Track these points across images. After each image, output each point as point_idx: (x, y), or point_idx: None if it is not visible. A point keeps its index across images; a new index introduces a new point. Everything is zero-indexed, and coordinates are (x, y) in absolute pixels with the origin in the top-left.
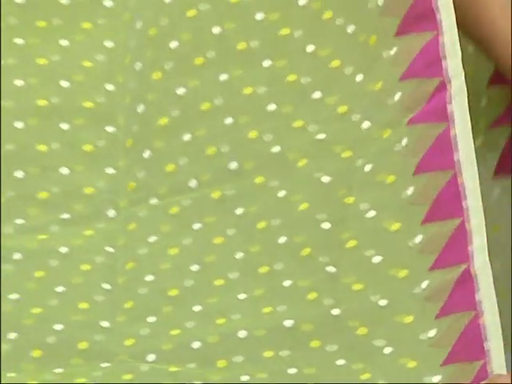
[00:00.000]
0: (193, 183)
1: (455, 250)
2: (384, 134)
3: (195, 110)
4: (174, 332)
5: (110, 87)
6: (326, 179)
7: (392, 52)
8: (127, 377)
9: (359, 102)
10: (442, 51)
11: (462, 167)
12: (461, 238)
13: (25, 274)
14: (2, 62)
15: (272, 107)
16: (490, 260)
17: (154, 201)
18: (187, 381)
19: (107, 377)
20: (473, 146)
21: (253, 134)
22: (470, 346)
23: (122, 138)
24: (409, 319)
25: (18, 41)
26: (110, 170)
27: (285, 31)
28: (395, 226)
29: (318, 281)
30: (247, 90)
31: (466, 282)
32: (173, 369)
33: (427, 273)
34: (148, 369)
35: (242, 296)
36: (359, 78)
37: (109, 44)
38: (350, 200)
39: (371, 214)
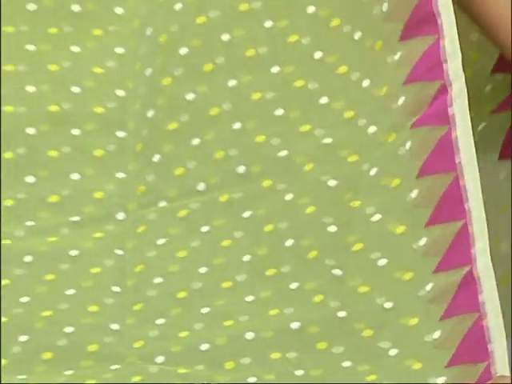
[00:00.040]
0: (201, 186)
1: (458, 252)
2: (389, 138)
3: (204, 114)
4: (183, 334)
5: (120, 93)
6: (332, 183)
7: (396, 57)
8: (136, 378)
9: (365, 107)
10: (443, 54)
11: (464, 169)
12: (463, 240)
13: (35, 277)
14: (15, 69)
15: (280, 112)
16: (497, 240)
17: (162, 204)
18: (196, 382)
19: (117, 378)
20: (474, 148)
21: (260, 139)
22: (473, 347)
23: (131, 143)
24: (414, 321)
25: (30, 47)
26: (120, 174)
27: (293, 38)
28: (400, 229)
29: (324, 283)
30: (255, 96)
31: (469, 284)
32: (181, 370)
33: (431, 275)
34: (157, 370)
35: (249, 298)
36: (365, 83)
37: (119, 50)
38: (356, 203)
39: (377, 217)
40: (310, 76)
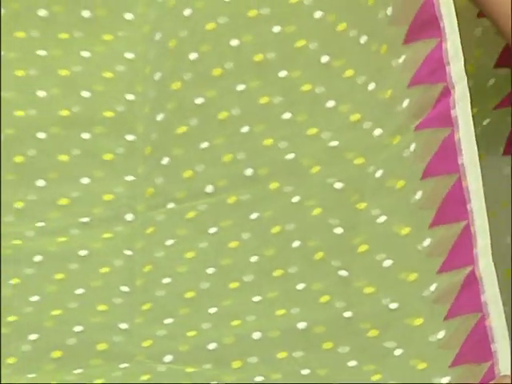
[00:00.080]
0: (209, 189)
1: (461, 252)
2: (394, 141)
3: (213, 119)
4: (191, 333)
5: (129, 97)
6: (338, 185)
7: (400, 60)
8: (145, 377)
9: (371, 110)
10: (446, 57)
11: (466, 171)
12: (466, 240)
13: (45, 277)
14: (26, 73)
15: (287, 116)
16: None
17: (171, 205)
18: (203, 381)
19: (126, 377)
20: (476, 149)
21: (268, 142)
22: (477, 347)
23: (141, 146)
24: (418, 321)
25: (41, 52)
26: (129, 177)
27: (300, 43)
28: (405, 231)
29: (330, 284)
30: (263, 100)
31: (472, 284)
32: (189, 369)
33: (435, 276)
34: (165, 369)
35: (256, 298)
36: (371, 86)
37: (129, 55)
38: (362, 205)
39: (382, 219)
40: (317, 80)
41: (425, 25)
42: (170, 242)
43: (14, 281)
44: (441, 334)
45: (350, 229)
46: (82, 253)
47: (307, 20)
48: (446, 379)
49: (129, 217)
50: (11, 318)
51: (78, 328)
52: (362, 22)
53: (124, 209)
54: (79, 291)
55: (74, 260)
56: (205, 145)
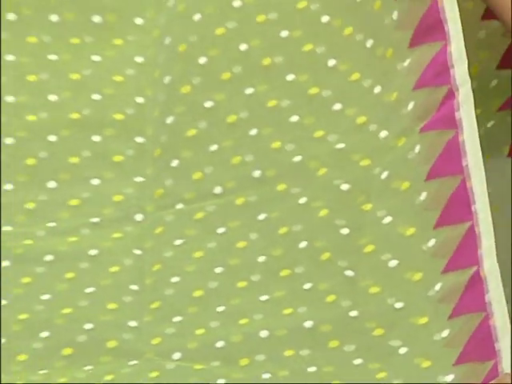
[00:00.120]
0: (218, 190)
1: (466, 253)
2: (399, 143)
3: (222, 122)
4: (199, 331)
5: (139, 100)
6: (345, 187)
7: (406, 63)
8: (154, 374)
9: (377, 113)
10: (450, 60)
11: (471, 172)
12: (471, 241)
13: (56, 276)
14: (38, 78)
15: (294, 119)
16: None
17: (180, 206)
18: (211, 378)
19: (135, 374)
20: (480, 151)
21: (276, 144)
22: (480, 346)
23: (150, 148)
24: (423, 320)
25: (52, 57)
26: (139, 179)
27: (308, 47)
28: (410, 231)
29: (336, 284)
30: (271, 103)
31: (476, 284)
32: (197, 367)
33: (440, 275)
34: (174, 367)
35: (263, 297)
36: (377, 89)
37: (139, 59)
38: (368, 207)
39: (387, 219)
40: (324, 83)
41: (430, 28)
42: (178, 242)
43: (25, 279)
44: (445, 333)
45: (356, 229)
46: (92, 252)
47: (314, 24)
48: (450, 377)
49: (138, 217)
50: (22, 316)
51: (88, 326)
52: (368, 26)
53: (133, 209)
54: (89, 290)
55: (85, 259)
56: (214, 147)
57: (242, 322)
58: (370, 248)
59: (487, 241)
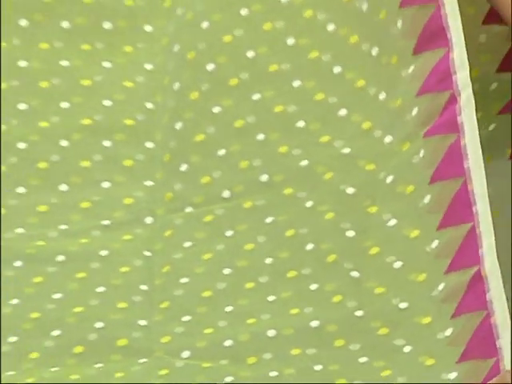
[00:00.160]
0: (226, 194)
1: (467, 253)
2: (404, 148)
3: (229, 127)
4: (208, 331)
5: (149, 106)
6: (350, 191)
7: (410, 70)
8: (163, 372)
9: (382, 119)
10: (453, 66)
11: (472, 174)
12: (472, 241)
13: (67, 275)
14: (50, 83)
15: (301, 124)
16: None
17: (189, 210)
18: (219, 376)
19: (144, 372)
20: (481, 153)
21: (283, 149)
22: (482, 344)
23: (160, 153)
24: (427, 320)
25: (64, 63)
26: (149, 182)
27: (314, 54)
28: (414, 233)
29: (342, 285)
30: (278, 109)
31: (478, 283)
32: (206, 365)
33: (443, 276)
34: (183, 365)
35: (271, 298)
36: (382, 96)
37: (148, 66)
38: (373, 210)
39: (392, 222)
40: (330, 90)
41: (433, 36)
42: (187, 244)
43: (37, 279)
44: (448, 332)
45: (361, 232)
46: (103, 253)
47: (320, 33)
48: (454, 375)
49: (148, 220)
50: (34, 315)
51: (98, 324)
52: (373, 34)
53: (144, 212)
54: (100, 289)
55: (95, 259)
56: (222, 152)
57: (250, 321)
58: (375, 250)
59: (488, 241)
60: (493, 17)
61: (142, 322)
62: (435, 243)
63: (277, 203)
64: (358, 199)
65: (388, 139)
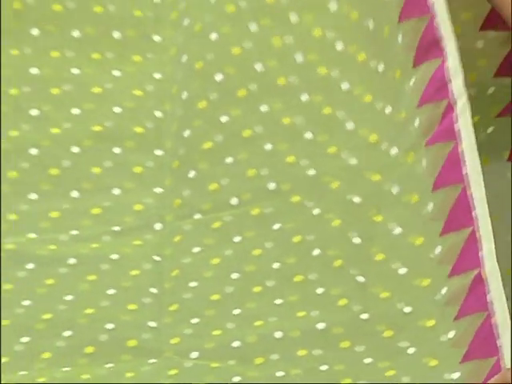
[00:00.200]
0: (234, 201)
1: (468, 256)
2: (408, 158)
3: (237, 136)
4: (216, 332)
5: (158, 114)
6: (357, 200)
7: (411, 82)
8: (172, 372)
9: (388, 132)
10: (448, 75)
11: (470, 180)
12: (472, 245)
13: (79, 277)
14: (61, 90)
15: (309, 135)
16: (502, 233)
17: (197, 216)
18: (227, 376)
19: (154, 372)
20: (478, 159)
21: (290, 159)
22: (484, 344)
23: (169, 160)
24: (430, 323)
25: (75, 71)
26: (158, 189)
27: (322, 70)
28: (419, 241)
29: (348, 289)
30: (286, 120)
31: (478, 285)
32: (214, 365)
33: (446, 280)
34: (191, 365)
35: (278, 301)
36: (388, 110)
37: (157, 76)
38: (379, 218)
39: (398, 230)
40: (338, 104)
41: (429, 47)
42: (196, 250)
43: (49, 281)
44: (451, 334)
45: (367, 239)
46: (114, 257)
47: (329, 50)
48: (457, 375)
49: (158, 226)
50: (46, 316)
51: (109, 325)
52: (379, 51)
53: (153, 218)
54: (111, 291)
55: (106, 262)
56: (229, 160)
57: (257, 323)
58: (380, 256)
59: (487, 244)
60: (490, 22)
61: (152, 324)
62: (438, 249)
63: (284, 211)
64: (364, 208)
65: (394, 151)
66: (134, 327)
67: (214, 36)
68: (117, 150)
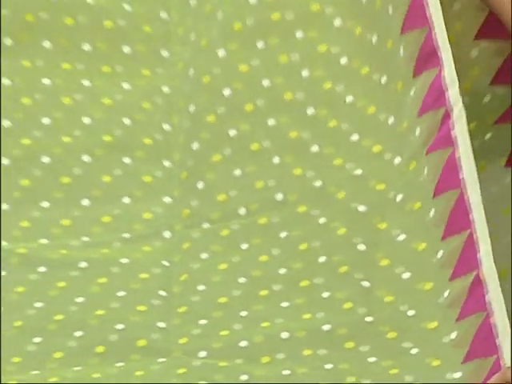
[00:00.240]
0: (242, 211)
1: (467, 259)
2: (410, 167)
3: (245, 149)
4: (223, 333)
5: (166, 127)
6: (362, 208)
7: (412, 93)
8: (181, 371)
9: (391, 142)
10: (444, 84)
11: (467, 184)
12: (471, 247)
13: (89, 280)
14: (72, 100)
15: (315, 148)
16: (499, 238)
17: (206, 225)
18: (235, 374)
19: (163, 370)
20: (474, 164)
21: (297, 171)
22: (484, 343)
23: (177, 172)
24: (433, 325)
25: (86, 82)
26: (167, 199)
27: (327, 85)
28: (422, 246)
29: (353, 293)
30: (292, 134)
31: (477, 286)
32: (222, 364)
33: (448, 283)
34: (200, 364)
35: (284, 304)
36: (390, 120)
37: (165, 89)
38: (383, 226)
39: (401, 237)
40: (343, 117)
41: (428, 57)
42: (204, 256)
43: (60, 283)
44: (453, 335)
45: (372, 246)
46: (124, 261)
47: (334, 65)
48: (458, 374)
49: (167, 234)
50: (58, 317)
51: (119, 326)
52: (382, 64)
53: (163, 227)
54: (120, 293)
55: (116, 266)
56: (238, 172)
57: (264, 325)
58: (385, 262)
59: (484, 245)
60: (484, 32)
61: (161, 325)
62: (440, 253)
63: (291, 220)
64: (369, 216)
65: (397, 161)
66: (143, 328)
67: (221, 52)
68: (127, 160)
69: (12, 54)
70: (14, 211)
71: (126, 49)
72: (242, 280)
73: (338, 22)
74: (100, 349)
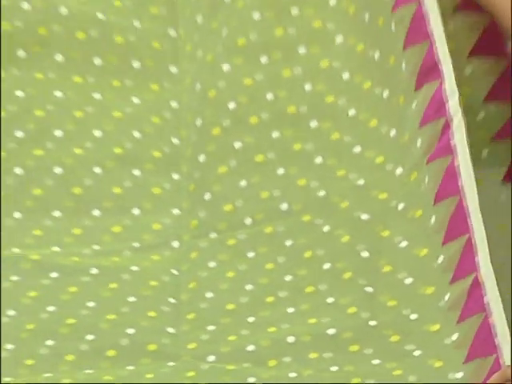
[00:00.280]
0: (248, 221)
1: (466, 262)
2: (412, 177)
3: (250, 161)
4: (231, 338)
5: (175, 140)
6: (365, 217)
7: (414, 105)
8: (190, 374)
9: (393, 154)
10: (445, 96)
11: (466, 191)
12: (469, 251)
13: (101, 285)
14: (83, 113)
15: (319, 160)
16: (495, 252)
17: (213, 235)
18: (243, 377)
19: (173, 374)
20: (472, 171)
21: (301, 182)
22: (483, 343)
23: (185, 184)
24: (435, 328)
25: (96, 96)
26: (175, 211)
27: (330, 99)
28: (423, 252)
29: (357, 299)
30: (296, 146)
31: (476, 288)
32: (230, 367)
33: (448, 287)
34: (208, 367)
35: (290, 310)
36: (392, 133)
37: (174, 104)
38: (386, 233)
39: (404, 244)
40: (345, 130)
41: (429, 70)
42: (212, 265)
43: (72, 289)
44: (454, 337)
45: (375, 253)
46: (134, 268)
47: (336, 80)
48: (460, 374)
49: (175, 244)
50: (70, 321)
51: (130, 330)
52: (384, 79)
53: (171, 237)
54: (131, 299)
55: (127, 273)
56: (243, 183)
57: (271, 330)
58: (388, 268)
59: (482, 248)
60: (478, 50)
61: (170, 330)
62: (441, 258)
63: (296, 229)
64: (372, 224)
65: (399, 171)
66: (153, 332)
67: (226, 67)
68: (136, 172)
69: (25, 66)
70: (27, 220)
71: (136, 64)
72: (249, 287)
73: (339, 39)
74: (111, 352)
